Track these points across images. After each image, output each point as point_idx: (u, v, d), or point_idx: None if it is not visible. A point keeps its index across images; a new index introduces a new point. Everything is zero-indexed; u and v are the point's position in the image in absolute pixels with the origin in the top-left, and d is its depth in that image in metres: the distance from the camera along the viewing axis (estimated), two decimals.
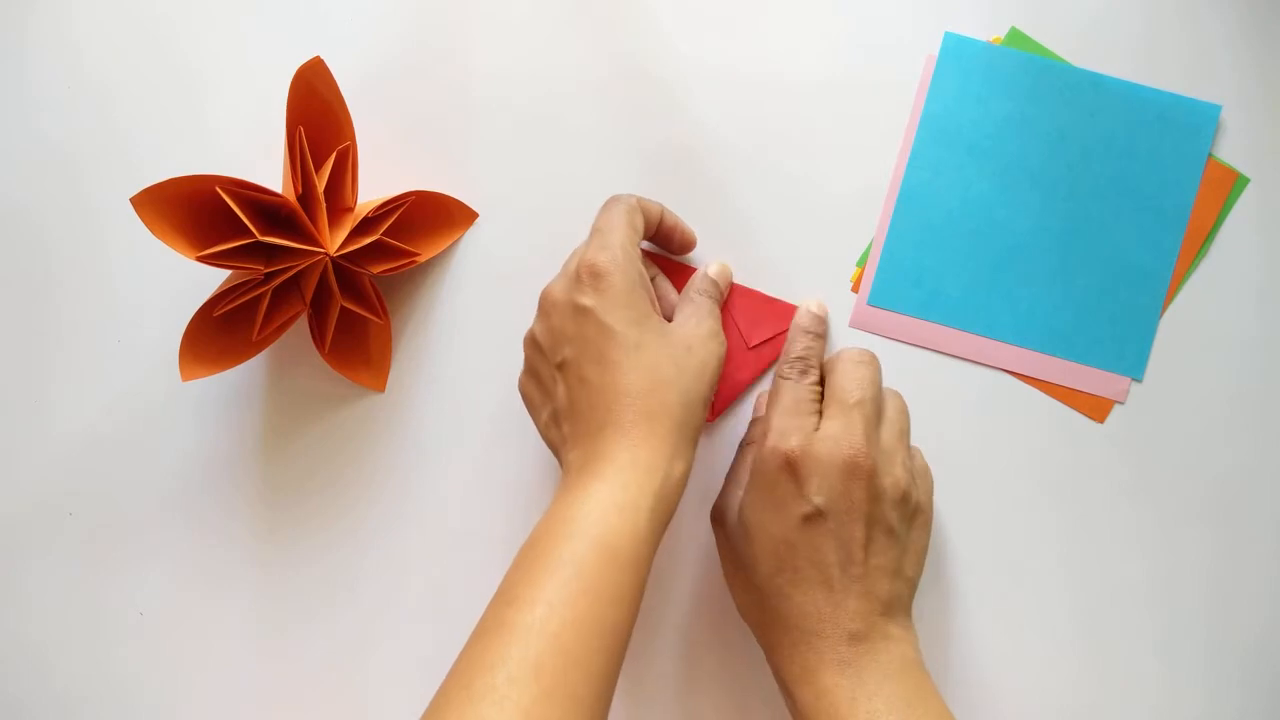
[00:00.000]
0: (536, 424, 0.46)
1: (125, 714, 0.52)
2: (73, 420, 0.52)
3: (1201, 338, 0.50)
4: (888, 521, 0.42)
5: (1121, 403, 0.50)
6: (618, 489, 0.40)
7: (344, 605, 0.52)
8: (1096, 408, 0.50)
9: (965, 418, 0.51)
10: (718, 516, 0.46)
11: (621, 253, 0.43)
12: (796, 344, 0.47)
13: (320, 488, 0.52)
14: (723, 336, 0.46)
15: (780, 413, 0.44)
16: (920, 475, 0.46)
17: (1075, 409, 0.50)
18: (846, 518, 0.41)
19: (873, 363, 0.45)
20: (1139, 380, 0.50)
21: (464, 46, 0.52)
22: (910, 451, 0.46)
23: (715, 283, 0.48)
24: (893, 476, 0.43)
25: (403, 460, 0.52)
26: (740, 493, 0.44)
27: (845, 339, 0.51)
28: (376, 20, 0.53)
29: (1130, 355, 0.50)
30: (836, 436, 0.42)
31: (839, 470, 0.41)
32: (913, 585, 0.44)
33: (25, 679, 0.52)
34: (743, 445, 0.48)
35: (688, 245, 0.50)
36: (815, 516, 0.41)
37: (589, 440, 0.42)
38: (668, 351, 0.43)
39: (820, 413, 0.44)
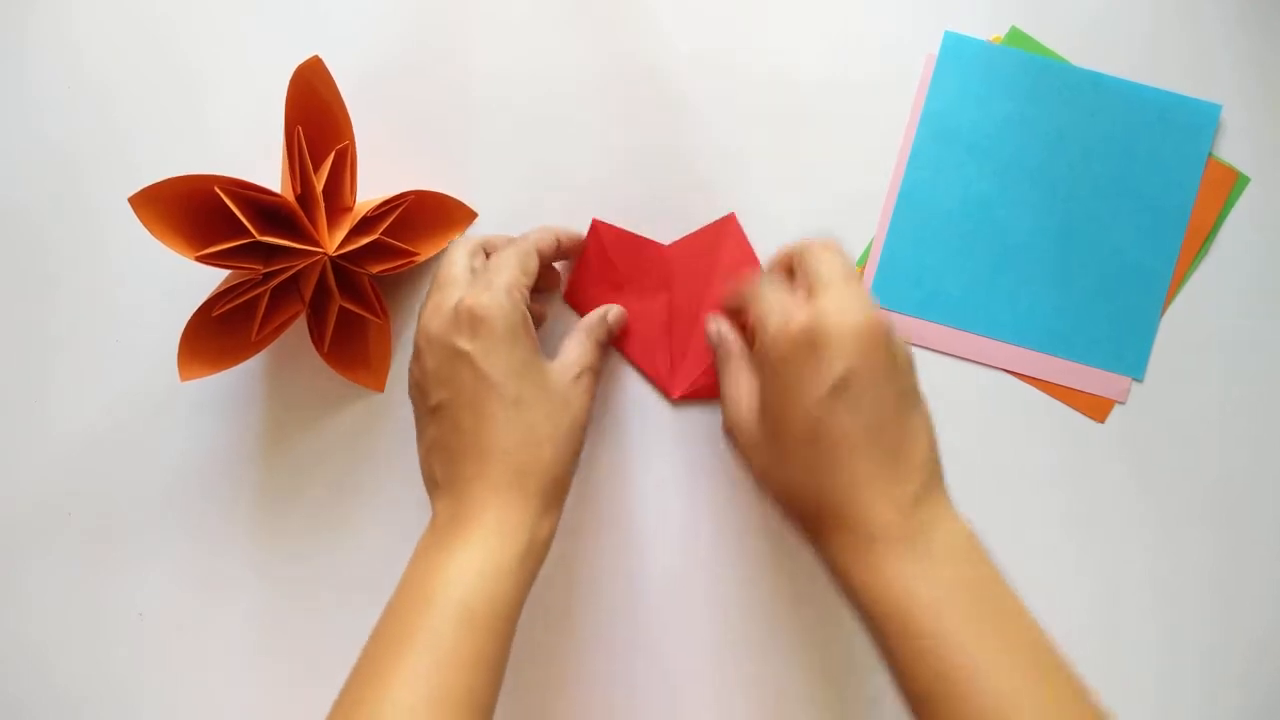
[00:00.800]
0: (418, 451, 0.45)
1: (125, 714, 0.52)
2: (72, 420, 0.52)
3: (1202, 337, 0.50)
4: (912, 383, 0.40)
5: (1122, 402, 0.50)
6: (481, 553, 0.39)
7: (343, 605, 0.52)
8: (1097, 407, 0.50)
9: (965, 417, 0.50)
10: (732, 431, 0.43)
11: (505, 296, 0.42)
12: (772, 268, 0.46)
13: (319, 487, 0.52)
14: (593, 390, 0.45)
15: (770, 301, 0.41)
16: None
17: (1075, 409, 0.50)
18: (869, 384, 0.38)
19: (840, 246, 0.43)
20: (1139, 380, 0.50)
21: (463, 46, 0.52)
22: None
23: (606, 324, 0.48)
24: (902, 342, 0.41)
25: (402, 460, 0.52)
26: (744, 396, 0.43)
27: None
28: (376, 20, 0.53)
29: (1130, 355, 0.50)
30: (842, 306, 0.39)
31: (855, 335, 0.38)
32: (939, 451, 0.41)
33: (25, 679, 0.52)
34: (723, 362, 0.46)
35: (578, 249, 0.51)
36: (841, 385, 0.38)
37: (457, 492, 0.41)
38: (545, 407, 0.42)
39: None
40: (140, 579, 0.52)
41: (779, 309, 0.40)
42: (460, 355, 0.41)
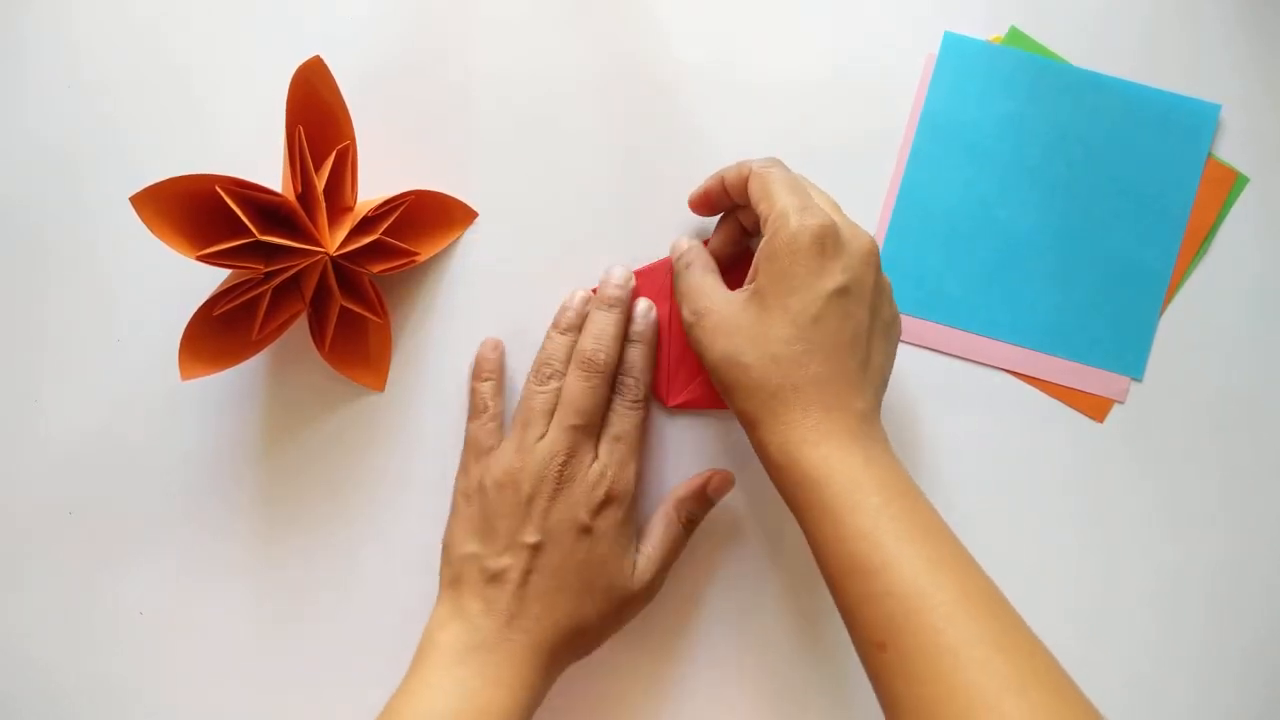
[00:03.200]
0: (460, 540, 0.46)
1: (125, 713, 0.52)
2: (72, 420, 0.52)
3: (1201, 337, 0.50)
4: (885, 313, 0.44)
5: (1121, 402, 0.50)
6: (504, 692, 0.42)
7: (343, 604, 0.52)
8: (1096, 407, 0.50)
9: (965, 417, 0.51)
10: (700, 315, 0.44)
11: (633, 483, 0.46)
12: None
13: (320, 487, 0.52)
14: (658, 587, 0.47)
15: (786, 191, 0.43)
16: None
17: (1075, 408, 0.50)
18: (860, 299, 0.42)
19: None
20: (1139, 380, 0.50)
21: (464, 46, 0.52)
22: None
23: (681, 497, 0.49)
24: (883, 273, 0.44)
25: (402, 460, 0.52)
26: (715, 286, 0.45)
27: None
28: (377, 20, 0.53)
29: (1130, 355, 0.50)
30: (851, 226, 0.43)
31: (861, 253, 0.42)
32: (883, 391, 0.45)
33: (25, 678, 0.52)
34: (686, 267, 0.47)
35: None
36: (842, 292, 0.41)
37: (507, 630, 0.43)
38: (620, 599, 0.45)
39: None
40: (141, 578, 0.52)
41: (794, 203, 0.42)
42: (583, 527, 0.44)
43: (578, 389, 0.46)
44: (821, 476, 0.40)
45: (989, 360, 0.51)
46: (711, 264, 0.47)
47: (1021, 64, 0.51)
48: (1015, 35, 0.51)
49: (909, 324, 0.51)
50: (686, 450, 0.51)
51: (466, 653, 0.43)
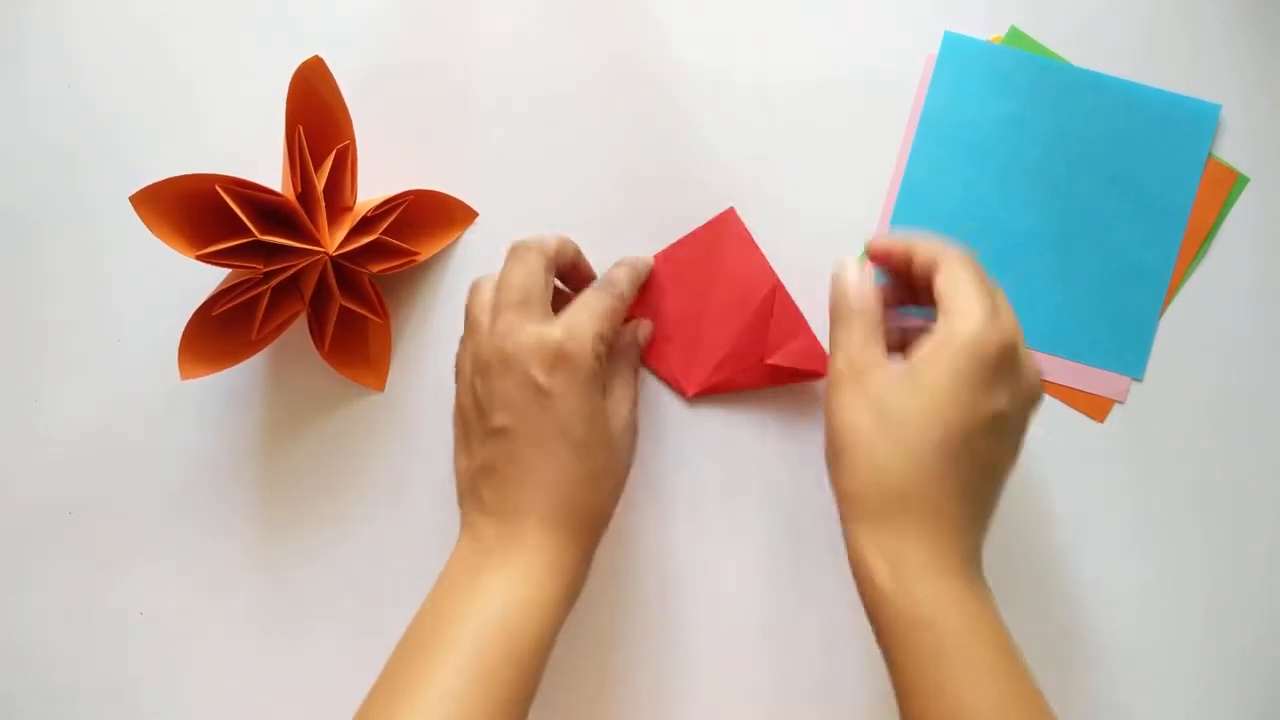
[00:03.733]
0: (456, 464, 0.44)
1: (125, 714, 0.52)
2: (72, 420, 0.52)
3: (1201, 337, 0.50)
4: (1016, 458, 0.41)
5: (1121, 402, 0.50)
6: (527, 584, 0.40)
7: (343, 604, 0.52)
8: (1096, 407, 0.50)
9: None
10: (843, 376, 0.41)
11: (593, 345, 0.42)
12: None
13: (320, 487, 0.52)
14: (635, 426, 0.46)
15: (980, 288, 0.39)
16: None
17: (1075, 408, 0.50)
18: (1013, 434, 0.39)
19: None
20: (1139, 379, 0.50)
21: (464, 46, 0.52)
22: None
23: (638, 345, 0.49)
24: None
25: (402, 460, 0.52)
26: (879, 341, 0.41)
27: None
28: (376, 20, 0.53)
29: (1130, 354, 0.50)
30: (1027, 353, 0.40)
31: (1031, 388, 0.39)
32: None
33: (25, 678, 0.52)
34: (854, 315, 0.42)
35: (586, 281, 0.49)
36: (1000, 419, 0.38)
37: (510, 521, 0.41)
38: (605, 454, 0.42)
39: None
40: (141, 578, 0.52)
41: (991, 310, 0.39)
42: (538, 389, 0.41)
43: (510, 269, 0.43)
44: (935, 614, 0.36)
45: None
46: (879, 315, 0.42)
47: (1022, 64, 0.51)
48: (1015, 35, 0.51)
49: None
50: (701, 437, 0.51)
51: (479, 562, 0.41)
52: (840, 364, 0.41)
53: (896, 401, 0.38)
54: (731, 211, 0.51)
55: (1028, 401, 0.40)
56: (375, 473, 0.52)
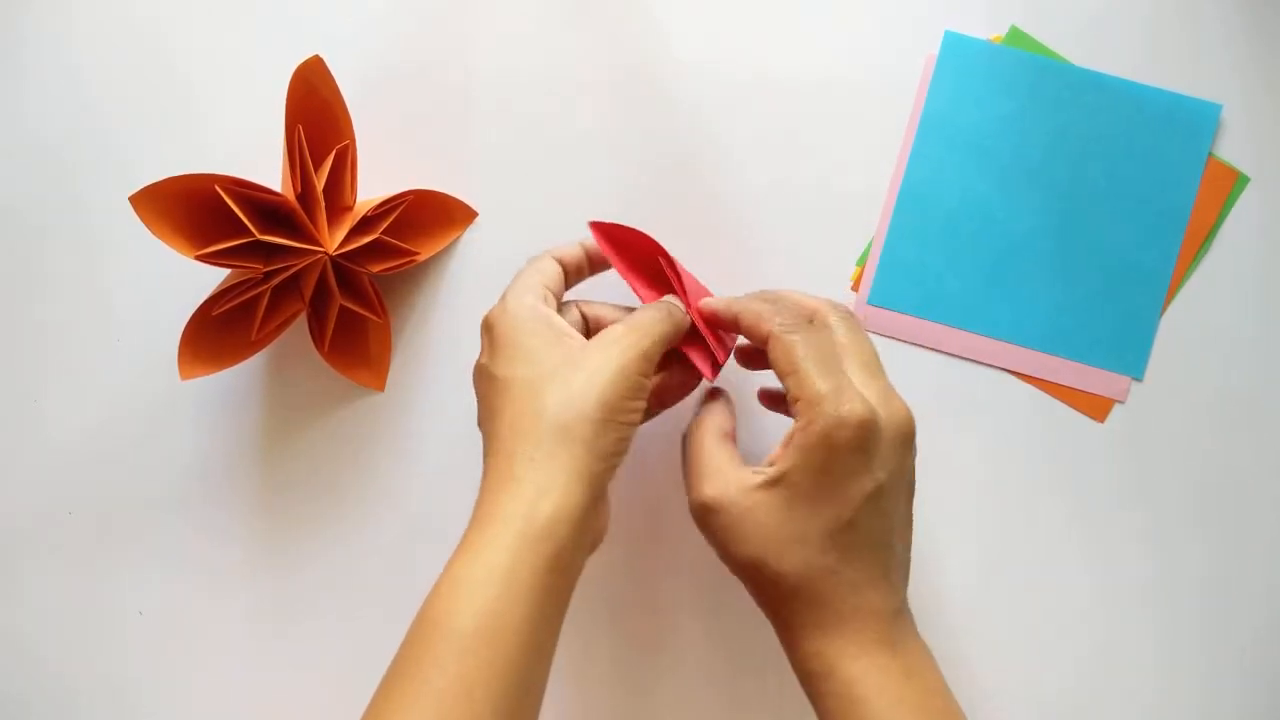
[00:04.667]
0: None
1: (125, 714, 0.52)
2: (72, 420, 0.52)
3: (1202, 337, 0.50)
4: (910, 493, 0.41)
5: (1122, 402, 0.50)
6: (471, 554, 0.37)
7: (343, 604, 0.52)
8: (1097, 407, 0.50)
9: (965, 417, 0.50)
10: (711, 509, 0.40)
11: (511, 303, 0.42)
12: (781, 304, 0.42)
13: (319, 487, 0.52)
14: (632, 339, 0.40)
15: (819, 370, 0.38)
16: None
17: (1075, 408, 0.50)
18: (898, 491, 0.39)
19: (802, 322, 0.41)
20: (1139, 379, 0.50)
21: (463, 45, 0.52)
22: None
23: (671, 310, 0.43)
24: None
25: (402, 460, 0.52)
26: (742, 476, 0.39)
27: None
28: (376, 20, 0.53)
29: (1131, 354, 0.50)
30: (887, 401, 0.39)
31: (899, 440, 0.39)
32: None
33: (25, 678, 0.52)
34: (701, 427, 0.43)
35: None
36: (877, 493, 0.38)
37: (479, 491, 0.40)
38: (553, 378, 0.39)
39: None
40: (140, 578, 0.52)
41: (834, 387, 0.38)
42: (480, 370, 0.42)
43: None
44: (860, 695, 0.37)
45: (989, 360, 0.51)
46: (727, 424, 0.42)
47: (1022, 64, 0.51)
48: (1016, 35, 0.51)
49: (909, 324, 0.51)
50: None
51: (502, 488, 0.38)
52: (696, 499, 0.40)
53: (772, 518, 0.38)
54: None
55: (900, 454, 0.39)
56: (375, 473, 0.52)
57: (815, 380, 0.38)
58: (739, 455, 0.41)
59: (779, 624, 0.40)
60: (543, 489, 0.37)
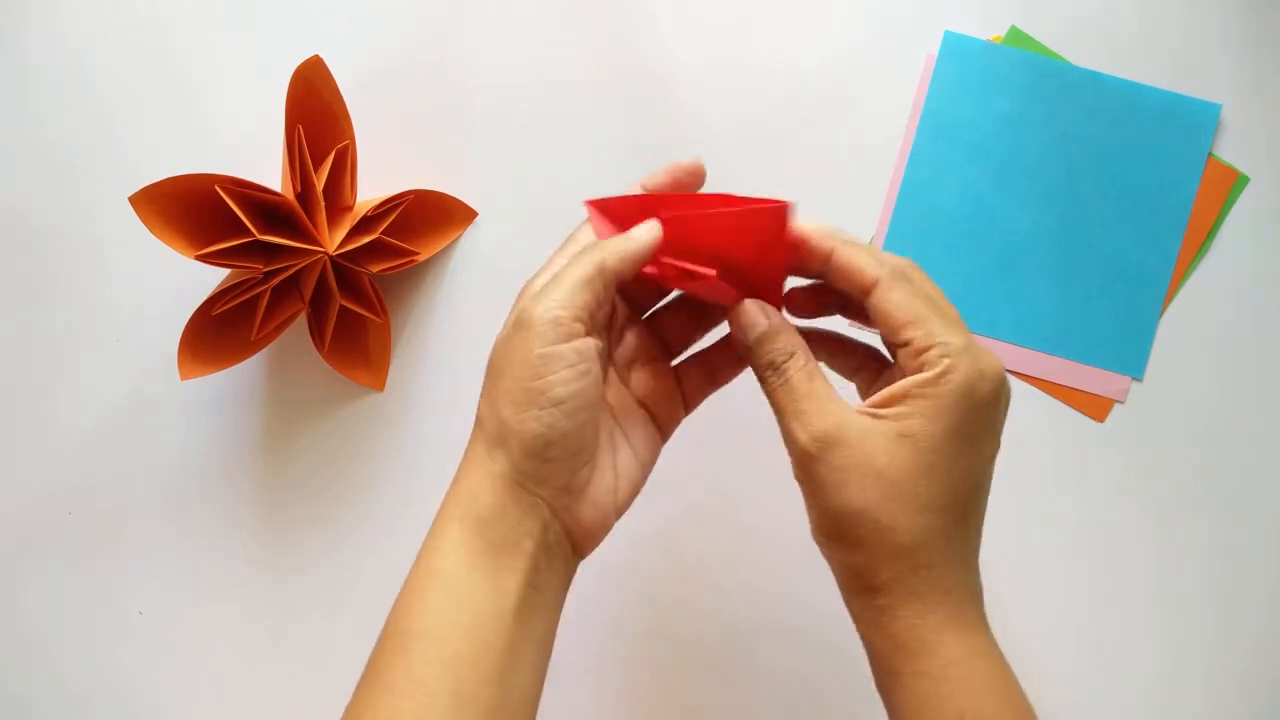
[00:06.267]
0: None
1: (125, 713, 0.52)
2: (72, 419, 0.52)
3: (1202, 337, 0.50)
4: None
5: (1121, 402, 0.50)
6: (429, 554, 0.37)
7: (343, 604, 0.52)
8: (1096, 407, 0.50)
9: None
10: (829, 444, 0.35)
11: (555, 313, 0.35)
12: (863, 252, 0.37)
13: (319, 487, 0.52)
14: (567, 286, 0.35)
15: (941, 318, 0.35)
16: None
17: (1075, 408, 0.50)
18: (996, 453, 0.36)
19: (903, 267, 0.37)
20: (1139, 379, 0.50)
21: (463, 46, 0.52)
22: None
23: (627, 248, 0.37)
24: None
25: (402, 459, 0.52)
26: (832, 394, 0.36)
27: None
28: (376, 20, 0.53)
29: (1130, 354, 0.50)
30: (986, 349, 0.35)
31: (1008, 397, 0.36)
32: None
33: (25, 678, 0.52)
34: (788, 371, 0.36)
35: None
36: (994, 456, 0.36)
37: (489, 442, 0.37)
38: (506, 345, 0.36)
39: None
40: (140, 577, 0.52)
41: (966, 345, 0.34)
42: (495, 346, 0.37)
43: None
44: (961, 678, 0.34)
45: None
46: (813, 360, 0.37)
47: (1022, 63, 0.51)
48: (1016, 35, 0.51)
49: None
50: None
51: (449, 493, 0.37)
52: (802, 438, 0.35)
53: (892, 464, 0.34)
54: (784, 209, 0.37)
55: (1006, 412, 0.36)
56: (375, 472, 0.52)
57: (947, 325, 0.35)
58: (831, 387, 0.36)
59: (867, 590, 0.35)
60: (474, 484, 0.36)
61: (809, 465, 0.35)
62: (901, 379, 0.35)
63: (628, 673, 0.51)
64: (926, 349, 0.34)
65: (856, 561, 0.35)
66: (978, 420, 0.34)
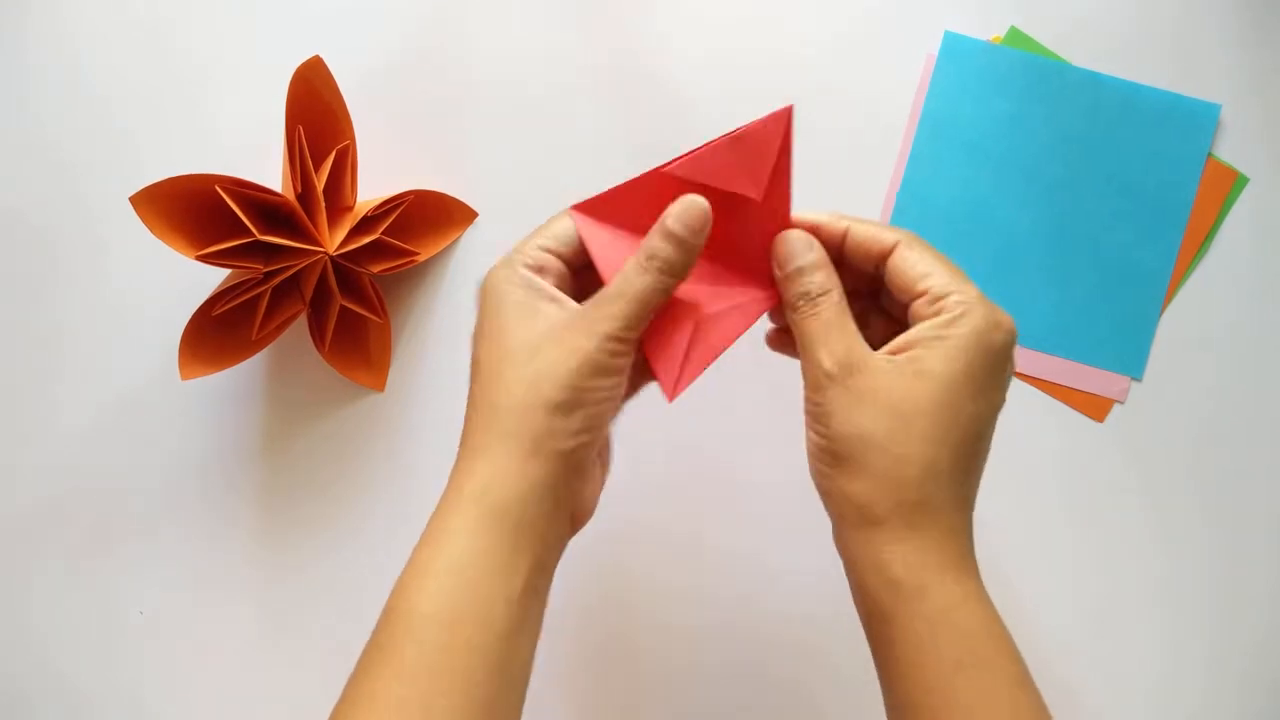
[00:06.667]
0: None
1: (125, 711, 0.52)
2: (73, 419, 0.52)
3: (1201, 337, 0.50)
4: None
5: (1121, 402, 0.50)
6: (436, 539, 0.36)
7: (342, 604, 0.52)
8: (1096, 407, 0.50)
9: None
10: (851, 369, 0.36)
11: (499, 270, 0.37)
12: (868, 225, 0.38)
13: (320, 487, 0.52)
14: (601, 313, 0.36)
15: (958, 274, 0.36)
16: None
17: (1075, 408, 0.50)
18: (998, 413, 0.37)
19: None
20: (1139, 379, 0.50)
21: (464, 46, 0.52)
22: None
23: (675, 237, 0.37)
24: None
25: (402, 459, 0.52)
26: (856, 331, 0.36)
27: None
28: (376, 20, 0.53)
29: (1130, 354, 0.50)
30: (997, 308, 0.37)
31: (1014, 356, 0.37)
32: None
33: (25, 678, 0.52)
34: (822, 299, 0.37)
35: None
36: (999, 409, 0.36)
37: (486, 421, 0.38)
38: (514, 358, 0.37)
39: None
40: (140, 577, 0.52)
41: (981, 297, 0.36)
42: (472, 336, 0.38)
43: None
44: (960, 622, 0.34)
45: None
46: (844, 297, 0.38)
47: (1021, 64, 0.51)
48: (1015, 35, 0.51)
49: None
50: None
51: (455, 477, 0.37)
52: (826, 363, 0.36)
53: (907, 397, 0.35)
54: (789, 111, 0.37)
55: (1013, 369, 0.37)
56: (375, 472, 0.52)
57: (962, 279, 0.36)
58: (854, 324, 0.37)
59: (867, 522, 0.35)
60: (495, 475, 0.36)
61: (826, 390, 0.36)
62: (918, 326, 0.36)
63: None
64: (943, 296, 0.36)
65: (860, 490, 0.35)
66: (989, 367, 0.35)
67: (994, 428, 0.36)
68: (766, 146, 0.37)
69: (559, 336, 0.36)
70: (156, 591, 0.52)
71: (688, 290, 0.38)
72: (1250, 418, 0.50)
